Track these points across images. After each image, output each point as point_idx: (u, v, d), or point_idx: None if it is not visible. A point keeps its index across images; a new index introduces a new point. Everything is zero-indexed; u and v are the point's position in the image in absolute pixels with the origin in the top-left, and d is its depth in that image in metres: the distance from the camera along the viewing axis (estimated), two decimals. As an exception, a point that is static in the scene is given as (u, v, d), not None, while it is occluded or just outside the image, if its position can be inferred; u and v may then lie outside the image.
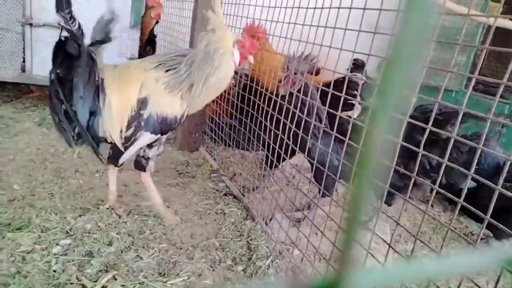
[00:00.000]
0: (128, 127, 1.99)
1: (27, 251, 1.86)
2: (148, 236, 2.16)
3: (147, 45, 4.79)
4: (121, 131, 2.00)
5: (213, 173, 3.13)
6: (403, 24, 0.27)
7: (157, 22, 4.73)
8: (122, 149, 2.04)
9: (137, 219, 2.29)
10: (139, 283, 1.79)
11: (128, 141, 2.01)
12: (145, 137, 2.01)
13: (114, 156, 2.09)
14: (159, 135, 2.04)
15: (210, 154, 3.48)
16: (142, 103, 1.96)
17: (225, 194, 2.81)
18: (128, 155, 2.09)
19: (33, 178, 2.54)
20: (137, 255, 1.99)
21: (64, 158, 2.91)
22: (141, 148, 2.13)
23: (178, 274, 1.91)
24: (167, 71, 1.99)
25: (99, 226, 2.16)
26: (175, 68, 2.00)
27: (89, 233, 2.09)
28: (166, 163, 3.16)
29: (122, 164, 2.16)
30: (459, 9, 2.98)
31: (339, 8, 1.78)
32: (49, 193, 2.39)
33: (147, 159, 2.16)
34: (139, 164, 2.19)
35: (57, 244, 1.96)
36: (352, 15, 1.72)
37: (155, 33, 4.81)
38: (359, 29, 1.67)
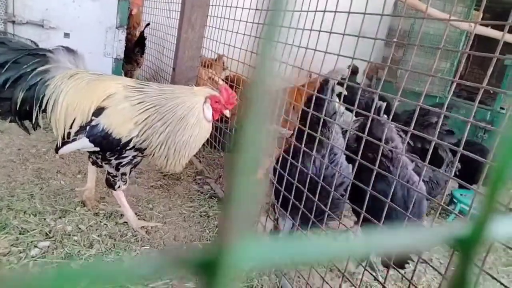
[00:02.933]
0: (73, 126, 1.98)
1: (3, 254, 1.81)
2: (130, 239, 2.13)
3: (136, 46, 4.74)
4: (65, 127, 2.00)
5: (198, 175, 3.11)
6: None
7: (148, 24, 4.68)
8: (60, 143, 2.03)
9: (119, 222, 2.25)
10: (120, 286, 1.76)
11: (68, 138, 1.99)
12: (83, 142, 1.97)
13: (57, 145, 2.08)
14: (97, 149, 1.99)
15: (195, 156, 3.46)
16: (98, 110, 1.94)
17: (210, 197, 2.79)
18: (65, 151, 2.07)
19: (12, 179, 2.48)
20: (119, 258, 1.96)
21: (46, 158, 2.85)
22: (95, 158, 2.15)
23: (160, 277, 1.88)
24: (139, 102, 1.94)
25: (79, 228, 2.12)
26: (149, 103, 1.94)
27: (69, 235, 2.04)
28: (151, 165, 3.12)
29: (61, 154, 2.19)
30: (442, 16, 3.04)
31: (324, 11, 1.79)
32: (28, 194, 2.33)
33: (114, 177, 2.13)
34: (108, 182, 2.17)
35: (36, 246, 1.91)
36: (338, 20, 1.73)
37: (145, 35, 4.76)
38: (343, 33, 1.68)
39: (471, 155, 1.09)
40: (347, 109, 2.33)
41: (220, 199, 2.76)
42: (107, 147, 1.97)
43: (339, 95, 2.43)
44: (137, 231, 2.20)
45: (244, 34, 2.65)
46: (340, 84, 2.38)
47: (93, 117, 1.94)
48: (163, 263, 0.25)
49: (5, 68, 1.92)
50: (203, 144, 3.41)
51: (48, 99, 2.00)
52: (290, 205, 1.94)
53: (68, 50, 2.16)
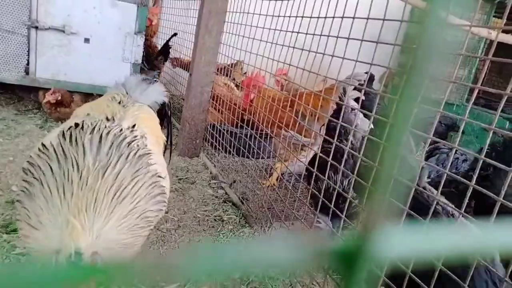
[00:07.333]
0: None
1: (22, 254, 1.85)
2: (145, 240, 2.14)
3: (160, 55, 4.81)
4: None
5: (213, 180, 3.13)
6: (417, 38, 0.25)
7: (175, 34, 4.72)
8: None
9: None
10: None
11: None
12: None
13: None
14: None
15: (210, 160, 3.48)
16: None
17: (224, 201, 2.80)
18: None
19: (32, 180, 2.53)
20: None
21: (64, 161, 2.90)
22: None
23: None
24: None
25: (96, 230, 2.14)
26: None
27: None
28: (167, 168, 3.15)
29: None
30: (461, 23, 3.00)
31: (342, 17, 1.79)
32: (47, 195, 2.38)
33: None
34: None
35: (54, 247, 1.94)
36: (356, 27, 1.73)
37: (170, 44, 4.81)
38: (362, 39, 1.68)
39: (496, 163, 1.07)
40: (365, 115, 2.31)
41: (235, 203, 2.77)
42: None
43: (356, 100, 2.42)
44: None
45: (260, 40, 2.67)
46: (358, 89, 2.37)
47: None
48: (302, 253, 0.24)
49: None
50: (218, 149, 3.44)
51: None
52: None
53: (144, 79, 2.13)
